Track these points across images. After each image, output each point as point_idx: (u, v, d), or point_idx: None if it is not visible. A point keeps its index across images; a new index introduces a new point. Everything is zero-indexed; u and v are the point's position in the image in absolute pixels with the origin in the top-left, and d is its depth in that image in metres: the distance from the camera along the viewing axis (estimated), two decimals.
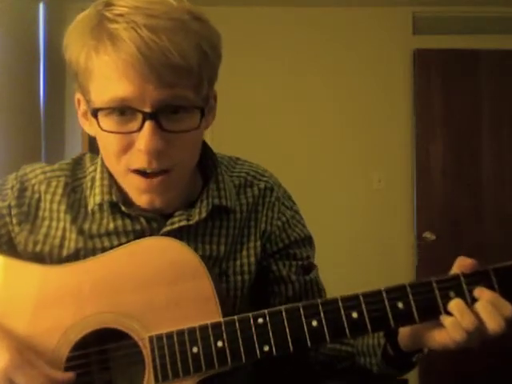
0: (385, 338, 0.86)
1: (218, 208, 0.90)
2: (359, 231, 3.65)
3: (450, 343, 0.75)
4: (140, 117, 0.75)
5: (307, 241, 1.00)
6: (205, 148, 0.93)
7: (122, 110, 0.76)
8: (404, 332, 0.82)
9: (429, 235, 3.48)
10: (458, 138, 3.64)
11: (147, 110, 0.75)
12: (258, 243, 0.93)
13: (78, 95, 0.86)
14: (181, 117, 0.78)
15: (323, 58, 3.72)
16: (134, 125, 0.76)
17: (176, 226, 0.86)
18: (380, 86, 3.71)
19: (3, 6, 2.49)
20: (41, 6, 3.07)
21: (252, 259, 0.92)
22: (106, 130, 0.77)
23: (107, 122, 0.77)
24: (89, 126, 0.86)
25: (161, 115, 0.76)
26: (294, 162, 3.65)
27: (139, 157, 0.78)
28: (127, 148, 0.78)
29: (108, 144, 0.80)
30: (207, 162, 0.93)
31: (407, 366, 0.85)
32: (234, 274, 0.91)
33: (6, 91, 2.55)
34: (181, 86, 0.75)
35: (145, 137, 0.75)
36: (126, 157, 0.79)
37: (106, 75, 0.75)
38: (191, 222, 0.86)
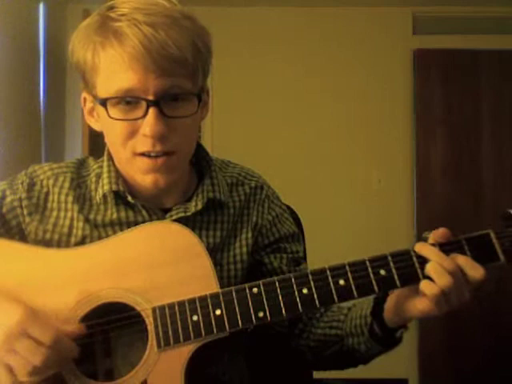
0: (371, 317, 0.91)
1: (213, 202, 0.98)
2: (359, 231, 3.65)
3: (430, 307, 0.81)
4: (144, 104, 0.84)
5: (296, 237, 1.07)
6: (199, 149, 1.01)
7: (128, 99, 0.85)
8: (389, 307, 0.89)
9: (429, 235, 3.47)
10: (457, 138, 3.64)
11: (150, 97, 0.84)
12: (250, 235, 1.01)
13: (84, 94, 0.94)
14: (180, 104, 0.87)
15: (323, 58, 3.72)
16: (139, 112, 0.85)
17: (174, 217, 0.94)
18: (380, 86, 3.71)
19: (3, 6, 2.49)
20: (41, 6, 3.07)
21: (244, 249, 1.00)
22: (114, 118, 0.86)
23: (115, 111, 0.86)
24: (95, 122, 0.95)
25: (162, 102, 0.85)
26: (294, 161, 3.65)
27: (144, 141, 0.86)
28: (132, 134, 0.87)
29: (115, 132, 0.88)
30: (202, 163, 1.02)
31: (392, 342, 0.91)
32: (227, 263, 0.98)
33: (6, 91, 2.55)
34: (178, 75, 0.85)
35: (149, 122, 0.84)
36: (131, 142, 0.87)
37: (112, 68, 0.84)
38: (188, 214, 0.94)
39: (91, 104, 0.93)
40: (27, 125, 2.90)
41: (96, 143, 3.03)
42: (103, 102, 0.86)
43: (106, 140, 0.93)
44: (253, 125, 3.68)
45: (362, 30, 3.72)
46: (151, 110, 0.84)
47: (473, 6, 3.66)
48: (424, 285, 0.81)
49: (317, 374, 1.15)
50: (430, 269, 0.81)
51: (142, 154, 0.87)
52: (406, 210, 3.68)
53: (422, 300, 0.82)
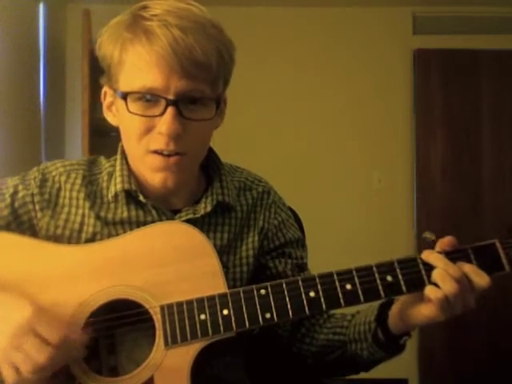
0: (375, 323, 0.92)
1: (221, 205, 0.99)
2: (359, 231, 3.65)
3: (435, 312, 0.83)
4: (163, 103, 0.87)
5: (300, 243, 1.08)
6: (210, 152, 1.02)
7: (149, 96, 0.87)
8: (393, 314, 0.89)
9: (429, 235, 3.46)
10: (457, 137, 3.64)
11: (170, 97, 0.86)
12: (256, 238, 1.02)
13: (105, 88, 0.96)
14: (198, 108, 0.89)
15: (323, 58, 3.72)
16: (157, 110, 0.87)
17: (183, 218, 0.95)
18: (380, 86, 3.71)
19: (3, 6, 2.49)
20: (41, 6, 3.07)
21: (250, 252, 1.01)
22: (132, 112, 0.88)
23: (134, 105, 0.88)
24: (112, 117, 0.97)
25: (181, 103, 0.87)
26: (294, 161, 3.65)
27: (158, 139, 0.88)
28: (148, 131, 0.89)
29: (132, 126, 0.90)
30: (211, 166, 1.03)
31: (396, 349, 0.91)
32: (233, 266, 0.99)
33: (5, 91, 2.55)
34: (200, 80, 0.87)
35: (166, 120, 0.86)
36: (146, 138, 0.89)
37: (138, 65, 0.87)
38: (197, 215, 0.96)
39: (111, 99, 0.95)
40: (27, 124, 2.90)
41: (96, 144, 3.03)
42: (124, 96, 0.88)
43: (122, 135, 0.95)
44: (252, 124, 3.68)
45: (362, 29, 3.72)
46: (169, 109, 0.86)
47: (473, 5, 3.66)
48: (429, 290, 0.82)
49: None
50: (436, 275, 0.83)
51: (155, 152, 0.89)
52: (406, 210, 3.68)
53: (427, 306, 0.83)
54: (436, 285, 0.82)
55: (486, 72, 3.64)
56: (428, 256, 0.85)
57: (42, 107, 3.09)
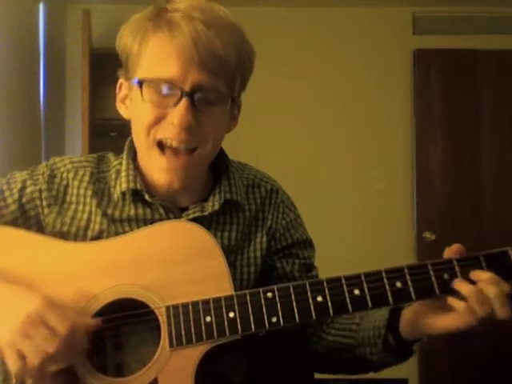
0: (385, 330, 0.91)
1: (229, 203, 0.98)
2: (359, 231, 3.64)
3: (454, 327, 0.82)
4: (178, 93, 0.87)
5: (308, 243, 1.07)
6: (219, 150, 1.01)
7: (164, 86, 0.87)
8: (406, 321, 0.88)
9: (429, 235, 3.48)
10: (457, 138, 3.64)
11: (186, 88, 0.86)
12: (264, 239, 1.01)
13: (122, 80, 0.97)
14: (212, 102, 0.89)
15: (323, 58, 3.72)
16: (172, 100, 0.87)
17: (191, 216, 0.95)
18: (380, 86, 3.71)
19: (3, 6, 2.49)
20: (41, 6, 3.07)
21: (258, 253, 1.00)
22: (147, 100, 0.88)
23: (149, 93, 0.88)
24: (125, 109, 0.97)
25: (196, 96, 0.87)
26: (294, 162, 3.64)
27: (169, 128, 0.88)
28: (159, 120, 0.88)
29: (143, 116, 0.89)
30: (219, 163, 1.02)
31: (406, 354, 0.91)
32: (241, 266, 0.98)
33: (5, 91, 2.55)
34: (218, 75, 0.88)
35: (179, 111, 0.86)
36: (156, 128, 0.89)
37: (158, 54, 0.87)
38: (205, 213, 0.95)
39: (126, 91, 0.95)
40: (27, 125, 2.90)
41: (96, 144, 3.03)
42: (140, 83, 0.88)
43: (133, 128, 0.94)
44: (252, 124, 3.68)
45: (362, 29, 3.72)
46: (184, 100, 0.86)
47: (473, 5, 3.66)
48: (460, 307, 0.81)
49: (318, 374, 1.15)
50: (469, 293, 0.80)
51: (161, 147, 0.89)
52: (406, 211, 3.67)
53: (445, 318, 0.82)
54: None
55: (486, 72, 3.64)
56: (480, 276, 0.81)
57: (41, 107, 3.09)
